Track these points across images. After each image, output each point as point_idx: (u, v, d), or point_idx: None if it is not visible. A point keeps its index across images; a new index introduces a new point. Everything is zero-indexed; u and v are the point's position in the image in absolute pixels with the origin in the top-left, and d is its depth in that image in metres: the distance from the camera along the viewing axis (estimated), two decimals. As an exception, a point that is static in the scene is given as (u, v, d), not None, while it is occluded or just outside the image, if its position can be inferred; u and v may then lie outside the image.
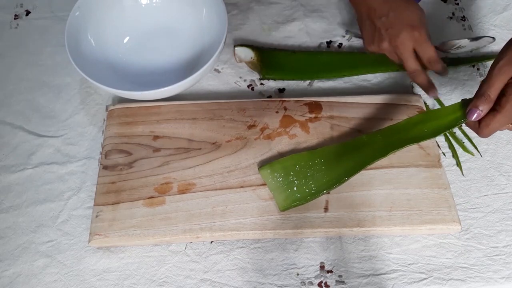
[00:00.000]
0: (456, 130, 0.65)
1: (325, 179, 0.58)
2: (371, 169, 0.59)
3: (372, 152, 0.58)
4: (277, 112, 0.64)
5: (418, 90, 0.69)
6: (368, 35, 0.64)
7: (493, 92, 0.49)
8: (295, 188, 0.57)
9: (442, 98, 0.68)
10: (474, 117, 0.50)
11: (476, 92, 0.51)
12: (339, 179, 0.57)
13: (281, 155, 0.60)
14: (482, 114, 0.50)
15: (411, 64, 0.61)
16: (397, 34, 0.59)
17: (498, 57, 0.51)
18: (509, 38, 0.52)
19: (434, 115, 0.57)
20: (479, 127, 0.52)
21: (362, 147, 0.59)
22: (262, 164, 0.59)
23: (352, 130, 0.63)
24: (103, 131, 0.65)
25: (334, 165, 0.58)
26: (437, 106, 0.67)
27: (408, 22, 0.60)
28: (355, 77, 0.71)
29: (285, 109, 0.65)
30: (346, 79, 0.70)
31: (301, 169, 0.58)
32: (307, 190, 0.57)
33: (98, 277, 0.55)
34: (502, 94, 0.50)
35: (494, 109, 0.50)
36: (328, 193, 0.58)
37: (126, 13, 0.72)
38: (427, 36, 0.60)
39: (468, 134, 0.65)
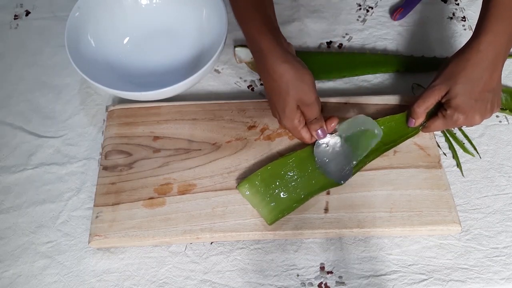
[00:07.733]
0: (456, 131, 0.65)
1: (306, 184, 0.57)
2: (371, 170, 0.59)
3: None
4: (277, 112, 0.64)
5: (419, 91, 0.69)
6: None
7: (423, 109, 0.57)
8: (278, 199, 0.56)
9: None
10: (412, 125, 0.60)
11: (413, 106, 0.58)
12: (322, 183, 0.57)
13: (281, 156, 0.60)
14: (417, 124, 0.59)
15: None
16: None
17: (435, 76, 0.57)
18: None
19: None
20: (423, 127, 0.60)
21: None
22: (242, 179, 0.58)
23: (352, 130, 0.63)
24: (103, 132, 0.65)
25: (312, 170, 0.58)
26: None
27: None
28: (355, 77, 0.71)
29: (285, 109, 0.65)
30: (346, 79, 0.70)
31: (280, 178, 0.57)
32: (291, 199, 0.56)
33: (98, 278, 0.55)
34: (444, 108, 0.56)
35: (437, 115, 0.58)
36: (328, 193, 0.58)
37: (126, 14, 0.72)
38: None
39: (468, 135, 0.65)
